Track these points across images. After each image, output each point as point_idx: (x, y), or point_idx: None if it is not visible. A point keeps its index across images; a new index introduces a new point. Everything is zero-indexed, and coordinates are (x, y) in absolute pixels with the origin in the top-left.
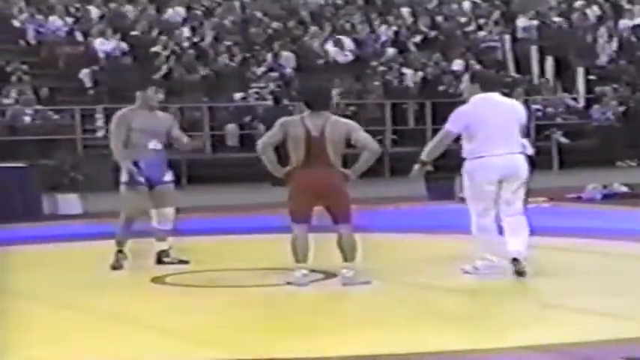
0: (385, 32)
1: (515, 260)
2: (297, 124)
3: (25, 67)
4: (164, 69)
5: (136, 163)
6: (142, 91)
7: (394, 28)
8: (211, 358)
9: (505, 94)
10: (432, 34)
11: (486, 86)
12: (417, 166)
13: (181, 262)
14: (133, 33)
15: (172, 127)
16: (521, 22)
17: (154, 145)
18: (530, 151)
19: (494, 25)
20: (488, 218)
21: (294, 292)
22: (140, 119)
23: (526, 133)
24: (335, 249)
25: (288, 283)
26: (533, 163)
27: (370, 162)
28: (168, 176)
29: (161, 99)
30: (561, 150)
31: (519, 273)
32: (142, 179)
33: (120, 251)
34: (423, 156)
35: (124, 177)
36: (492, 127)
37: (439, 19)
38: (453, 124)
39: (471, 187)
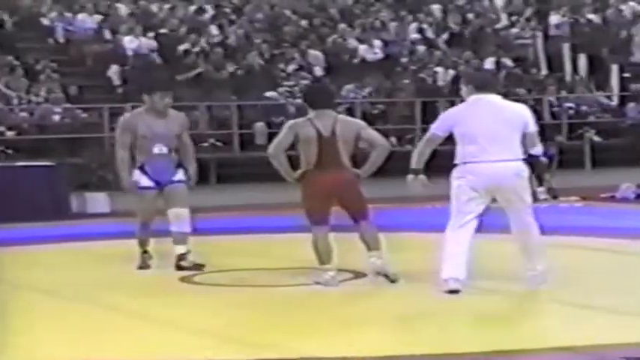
0: (415, 30)
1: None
2: (307, 126)
3: (54, 65)
4: (198, 70)
5: (142, 167)
6: (148, 95)
7: (424, 25)
8: (239, 356)
9: (505, 96)
10: (463, 31)
11: (480, 87)
12: (410, 177)
13: (197, 265)
14: (162, 31)
15: (182, 129)
16: (554, 19)
17: (159, 149)
18: (538, 151)
19: (527, 22)
20: (458, 225)
21: (323, 292)
22: (145, 124)
23: (541, 134)
24: (361, 248)
25: (317, 283)
26: (532, 165)
27: (381, 159)
28: (179, 176)
29: (169, 103)
30: (594, 149)
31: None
32: (149, 184)
33: (144, 252)
34: (413, 164)
35: (136, 180)
36: (481, 131)
37: (470, 16)
38: (438, 126)
39: (455, 196)
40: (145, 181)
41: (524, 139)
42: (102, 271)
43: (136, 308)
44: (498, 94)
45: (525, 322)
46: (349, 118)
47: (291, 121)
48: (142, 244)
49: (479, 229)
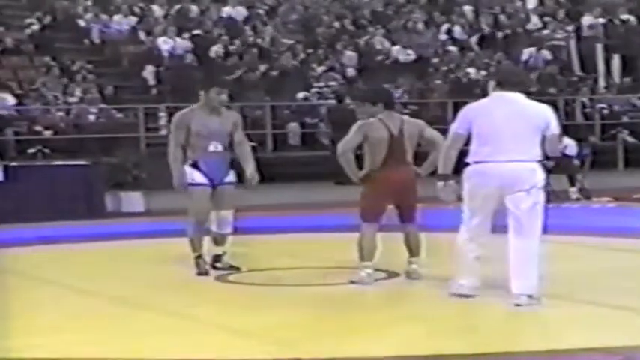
0: (447, 31)
1: (519, 305)
2: (379, 126)
3: (89, 66)
4: (236, 72)
5: (195, 164)
6: (205, 91)
7: (456, 26)
8: (273, 355)
9: (528, 95)
10: (494, 32)
11: (503, 84)
12: (440, 184)
13: (232, 267)
14: (196, 32)
15: (235, 129)
16: (587, 19)
17: (214, 147)
18: (573, 151)
19: (559, 23)
20: (471, 232)
21: (357, 291)
22: (199, 121)
23: (574, 135)
24: (398, 248)
25: (352, 282)
26: (547, 168)
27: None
28: (230, 177)
29: (225, 100)
30: (627, 149)
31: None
32: (203, 180)
33: (199, 256)
34: (440, 170)
35: (188, 178)
36: (497, 130)
37: (502, 17)
38: (459, 123)
39: (466, 197)
40: (198, 178)
41: (545, 141)
42: (136, 270)
43: (169, 307)
44: (523, 92)
45: (559, 324)
46: (412, 119)
47: (361, 122)
48: (195, 247)
49: (493, 230)
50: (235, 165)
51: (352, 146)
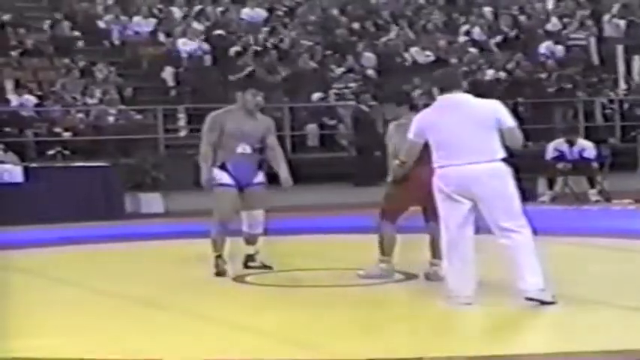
0: (466, 32)
1: (531, 299)
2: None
3: (109, 67)
4: (247, 70)
5: (223, 165)
6: (241, 93)
7: (475, 27)
8: (292, 356)
9: (479, 95)
10: (514, 33)
11: (445, 88)
12: (395, 162)
13: (265, 266)
14: (215, 33)
15: (268, 133)
16: (608, 20)
17: (243, 148)
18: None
19: (580, 24)
20: (450, 233)
21: (374, 292)
22: (234, 122)
23: (593, 136)
24: (415, 250)
25: (369, 277)
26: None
27: None
28: (259, 178)
29: (261, 102)
30: None
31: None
32: (230, 181)
33: (219, 256)
34: (394, 173)
35: (216, 178)
36: (448, 133)
37: (521, 18)
38: (414, 132)
39: (438, 201)
40: (225, 179)
41: (504, 136)
42: (155, 270)
43: (187, 308)
44: (466, 91)
45: (577, 326)
46: None
47: (395, 122)
48: (217, 247)
49: (477, 231)
50: (265, 166)
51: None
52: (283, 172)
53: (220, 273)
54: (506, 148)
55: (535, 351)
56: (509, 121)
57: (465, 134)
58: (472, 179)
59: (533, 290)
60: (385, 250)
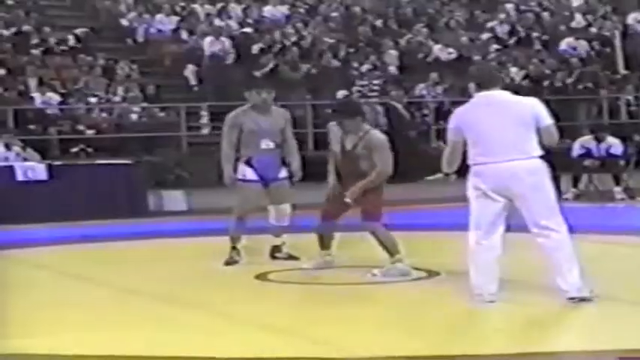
0: (489, 29)
1: (573, 298)
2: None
3: (132, 65)
4: (268, 67)
5: (248, 162)
6: (248, 92)
7: (498, 25)
8: (305, 354)
9: (516, 92)
10: (537, 30)
11: (482, 84)
12: (439, 175)
13: (291, 257)
14: (238, 31)
15: (285, 126)
16: (633, 17)
17: (266, 144)
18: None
19: (603, 21)
20: (479, 233)
21: (395, 290)
22: (251, 120)
23: (618, 133)
24: (438, 248)
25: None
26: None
27: None
28: (283, 173)
29: (267, 99)
30: None
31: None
32: (254, 177)
33: (234, 247)
34: (444, 169)
35: (239, 174)
36: (486, 130)
37: (545, 14)
38: (451, 131)
39: (470, 199)
40: (250, 174)
41: (540, 134)
42: (178, 268)
43: (208, 305)
44: (505, 88)
45: (603, 323)
46: None
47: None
48: (234, 239)
49: (507, 229)
50: (287, 162)
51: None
52: (294, 164)
53: (229, 262)
54: (542, 146)
55: (557, 349)
56: (547, 119)
57: (503, 131)
58: (511, 177)
59: (574, 289)
60: (324, 245)
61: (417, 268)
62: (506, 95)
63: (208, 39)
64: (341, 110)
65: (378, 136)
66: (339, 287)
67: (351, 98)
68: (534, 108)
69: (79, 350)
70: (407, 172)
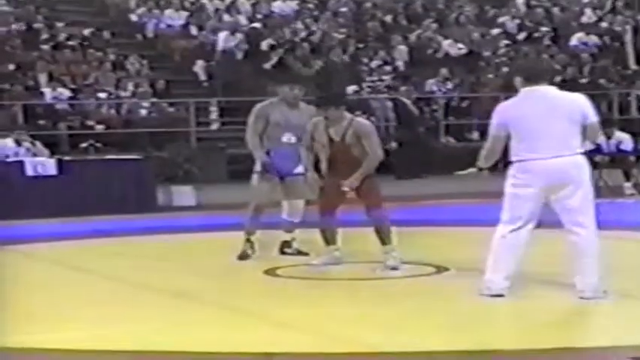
0: (499, 25)
1: (583, 298)
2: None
3: (141, 60)
4: (274, 61)
5: (267, 154)
6: (280, 87)
7: (508, 20)
8: (325, 349)
9: (561, 87)
10: (547, 26)
11: (530, 78)
12: (472, 169)
13: (300, 253)
14: (247, 26)
15: (308, 122)
16: None
17: (288, 138)
18: (630, 145)
19: (613, 16)
20: (509, 228)
21: (403, 285)
22: (278, 113)
23: (629, 129)
24: (447, 244)
25: (394, 269)
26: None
27: None
28: (299, 168)
29: (298, 95)
30: None
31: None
32: (273, 170)
33: (248, 240)
34: (480, 163)
35: (257, 167)
36: (534, 126)
37: (555, 9)
38: (495, 124)
39: (508, 194)
40: (271, 168)
41: (585, 131)
42: (187, 263)
43: (218, 300)
44: (552, 84)
45: (616, 319)
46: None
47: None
48: (249, 233)
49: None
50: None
51: None
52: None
53: (243, 256)
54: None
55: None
56: (594, 116)
57: (552, 127)
58: (558, 173)
59: (590, 290)
60: (329, 240)
61: (426, 264)
62: (554, 90)
63: (223, 34)
64: (327, 101)
65: (364, 122)
66: (347, 283)
67: (334, 90)
68: (583, 104)
69: (92, 345)
70: (415, 168)
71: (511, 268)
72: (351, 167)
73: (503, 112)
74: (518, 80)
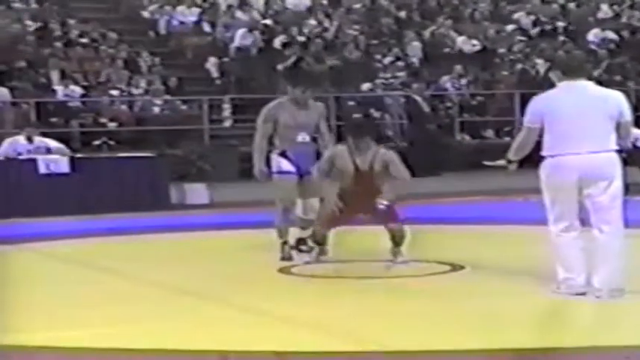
0: (513, 20)
1: (599, 297)
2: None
3: (154, 57)
4: (291, 60)
5: (283, 153)
6: (291, 87)
7: (524, 16)
8: (344, 348)
9: (599, 82)
10: (563, 22)
11: (568, 72)
12: (500, 162)
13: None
14: (259, 22)
15: (320, 121)
16: None
17: (302, 137)
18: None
19: (630, 10)
20: (560, 226)
21: (419, 284)
22: (287, 114)
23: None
24: (462, 242)
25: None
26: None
27: None
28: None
29: (309, 97)
30: None
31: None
32: (291, 168)
33: (284, 243)
34: (510, 155)
35: (274, 167)
36: (570, 120)
37: (570, 5)
38: (530, 117)
39: (546, 191)
40: (286, 166)
41: (619, 128)
42: (200, 261)
43: (232, 299)
44: (590, 79)
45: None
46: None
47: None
48: (281, 234)
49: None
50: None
51: None
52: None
53: (286, 258)
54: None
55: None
56: (629, 115)
57: (588, 122)
58: (593, 169)
59: (605, 290)
60: (321, 242)
61: (441, 262)
62: (592, 85)
63: (240, 31)
64: (357, 129)
65: (388, 151)
66: (361, 281)
67: (362, 118)
68: (621, 102)
69: (107, 343)
70: (429, 166)
71: (582, 263)
72: (371, 195)
73: (539, 103)
74: (556, 74)
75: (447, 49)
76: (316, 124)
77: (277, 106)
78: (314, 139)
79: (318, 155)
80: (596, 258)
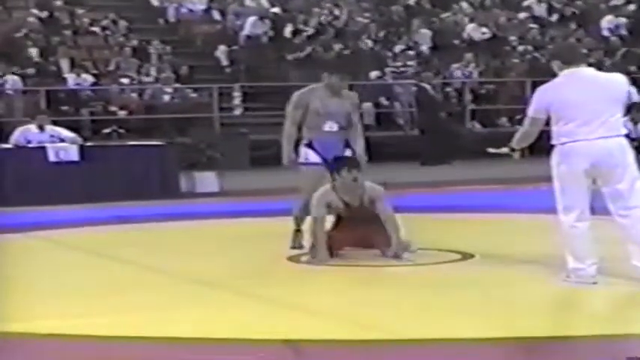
0: (525, 8)
1: None
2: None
3: (164, 45)
4: (305, 52)
5: (310, 144)
6: (327, 74)
7: (535, 4)
8: (356, 336)
9: (599, 68)
10: (575, 9)
11: (568, 61)
12: (504, 149)
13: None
14: (268, 10)
15: (353, 111)
16: None
17: (330, 126)
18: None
19: None
20: (572, 216)
21: (429, 272)
22: (318, 101)
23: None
24: (472, 230)
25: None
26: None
27: None
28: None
29: (345, 85)
30: None
31: None
32: (317, 159)
33: (297, 230)
34: (513, 143)
35: (301, 157)
36: (577, 107)
37: None
38: (536, 106)
39: (556, 180)
40: (312, 157)
41: (633, 109)
42: (210, 250)
43: (242, 287)
44: (589, 65)
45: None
46: None
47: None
48: (298, 223)
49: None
50: (350, 145)
51: None
52: (359, 148)
53: (296, 246)
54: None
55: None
56: (637, 96)
57: (596, 108)
58: (603, 155)
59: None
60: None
61: (451, 250)
62: (593, 71)
63: (251, 19)
64: (353, 165)
65: (374, 186)
66: (370, 269)
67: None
68: (624, 83)
69: (115, 331)
70: (440, 154)
71: (593, 253)
72: (369, 223)
73: (545, 94)
74: (556, 64)
75: (457, 37)
76: (348, 114)
77: (309, 92)
78: (344, 128)
79: (348, 145)
80: (629, 244)
